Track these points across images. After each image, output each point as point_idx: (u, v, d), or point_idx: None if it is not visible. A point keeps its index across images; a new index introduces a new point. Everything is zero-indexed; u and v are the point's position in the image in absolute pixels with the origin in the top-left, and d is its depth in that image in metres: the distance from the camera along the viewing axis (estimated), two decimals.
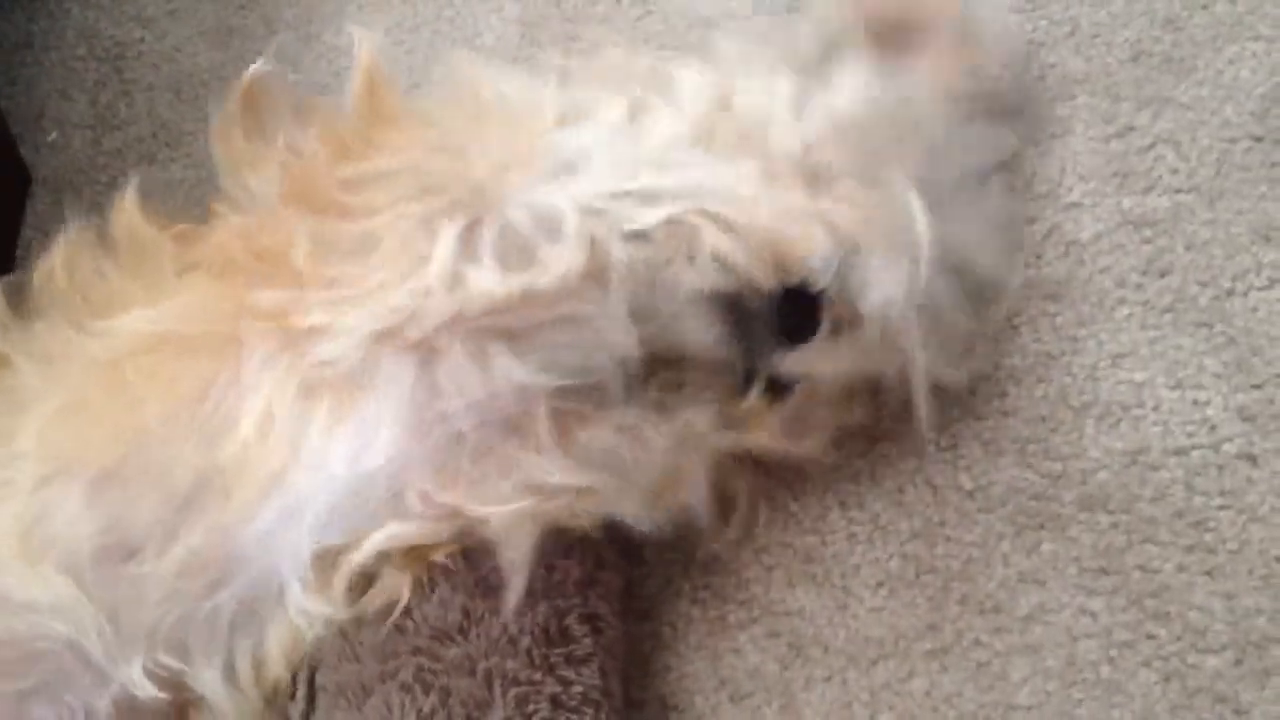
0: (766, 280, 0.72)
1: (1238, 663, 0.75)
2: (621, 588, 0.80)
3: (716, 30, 1.02)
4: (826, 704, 0.79)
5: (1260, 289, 0.83)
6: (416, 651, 0.72)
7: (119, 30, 1.22)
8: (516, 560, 0.71)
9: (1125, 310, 0.85)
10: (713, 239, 0.71)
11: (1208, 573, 0.77)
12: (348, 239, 0.74)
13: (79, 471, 0.74)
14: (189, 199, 1.09)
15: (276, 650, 0.75)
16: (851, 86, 0.77)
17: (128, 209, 0.82)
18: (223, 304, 0.75)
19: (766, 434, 0.76)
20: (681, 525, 0.76)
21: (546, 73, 0.82)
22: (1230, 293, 0.84)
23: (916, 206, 0.72)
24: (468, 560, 0.75)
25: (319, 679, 0.75)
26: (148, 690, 0.73)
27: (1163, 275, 0.85)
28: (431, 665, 0.71)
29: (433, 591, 0.74)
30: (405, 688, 0.71)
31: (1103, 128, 0.90)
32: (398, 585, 0.74)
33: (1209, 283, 0.84)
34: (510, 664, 0.71)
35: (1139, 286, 0.85)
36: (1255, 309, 0.83)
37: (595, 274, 0.71)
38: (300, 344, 0.73)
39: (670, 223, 0.71)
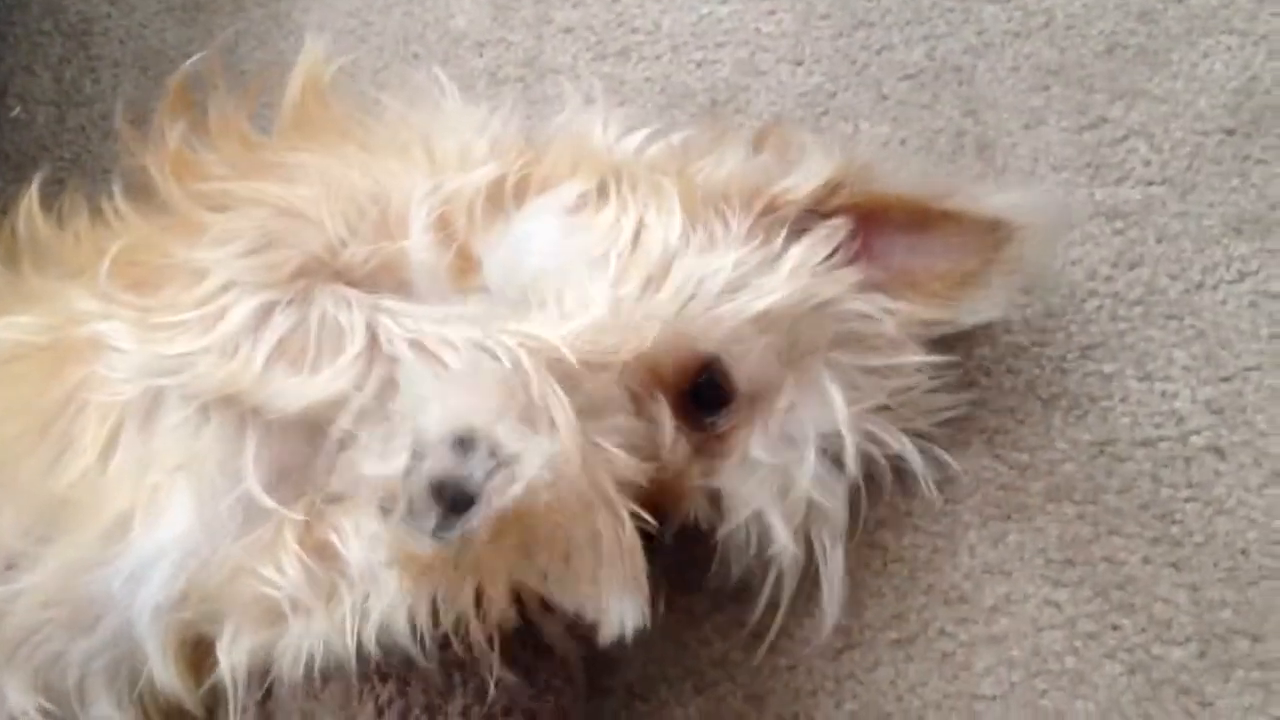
0: None
1: (1202, 655, 0.75)
2: None
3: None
4: (791, 693, 0.79)
5: (1230, 282, 0.83)
6: None
7: (85, 5, 1.20)
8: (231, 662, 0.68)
9: (1095, 302, 0.85)
10: None
11: (1173, 565, 0.77)
12: (174, 262, 0.72)
13: None
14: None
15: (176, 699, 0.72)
16: None
17: (28, 209, 0.80)
18: (74, 316, 0.73)
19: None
20: None
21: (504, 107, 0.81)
22: (1200, 286, 0.84)
23: None
24: None
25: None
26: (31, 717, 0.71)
27: (1133, 267, 0.85)
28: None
29: None
30: (363, 675, 0.70)
31: (1076, 119, 0.90)
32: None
33: (1179, 275, 0.84)
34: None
35: (1109, 278, 0.85)
36: (1225, 302, 0.83)
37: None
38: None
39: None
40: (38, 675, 0.72)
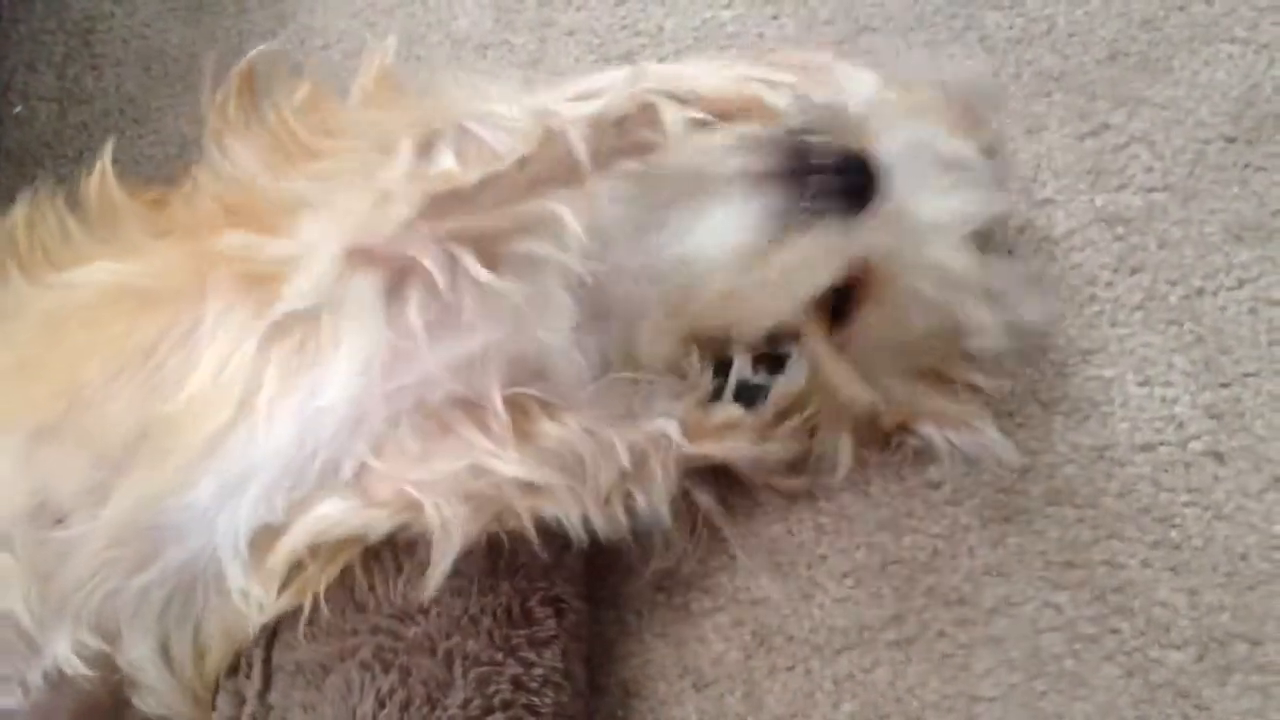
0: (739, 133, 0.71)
1: (1200, 659, 0.75)
2: (584, 571, 0.78)
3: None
4: (790, 693, 0.79)
5: (1230, 289, 0.83)
6: (376, 630, 0.71)
7: (89, 4, 1.20)
8: (445, 552, 0.69)
9: (1096, 307, 0.85)
10: (673, 109, 0.70)
11: (1172, 569, 0.77)
12: (311, 176, 0.73)
13: (16, 428, 0.71)
14: (155, 175, 1.07)
15: (218, 637, 0.73)
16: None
17: (102, 172, 0.80)
18: (188, 261, 0.73)
19: (738, 446, 0.74)
20: (639, 535, 0.73)
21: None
22: (1201, 292, 0.84)
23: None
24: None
25: (275, 657, 0.73)
26: (75, 667, 0.70)
27: (1134, 273, 0.85)
28: (392, 644, 0.70)
29: (399, 572, 0.73)
30: (365, 666, 0.69)
31: (1078, 125, 0.91)
32: (318, 580, 0.72)
33: (1180, 281, 0.85)
34: (471, 644, 0.70)
35: (1110, 284, 0.86)
36: (1225, 308, 0.83)
37: (561, 171, 0.69)
38: (265, 291, 0.70)
39: (626, 103, 0.71)
40: (91, 618, 0.71)
